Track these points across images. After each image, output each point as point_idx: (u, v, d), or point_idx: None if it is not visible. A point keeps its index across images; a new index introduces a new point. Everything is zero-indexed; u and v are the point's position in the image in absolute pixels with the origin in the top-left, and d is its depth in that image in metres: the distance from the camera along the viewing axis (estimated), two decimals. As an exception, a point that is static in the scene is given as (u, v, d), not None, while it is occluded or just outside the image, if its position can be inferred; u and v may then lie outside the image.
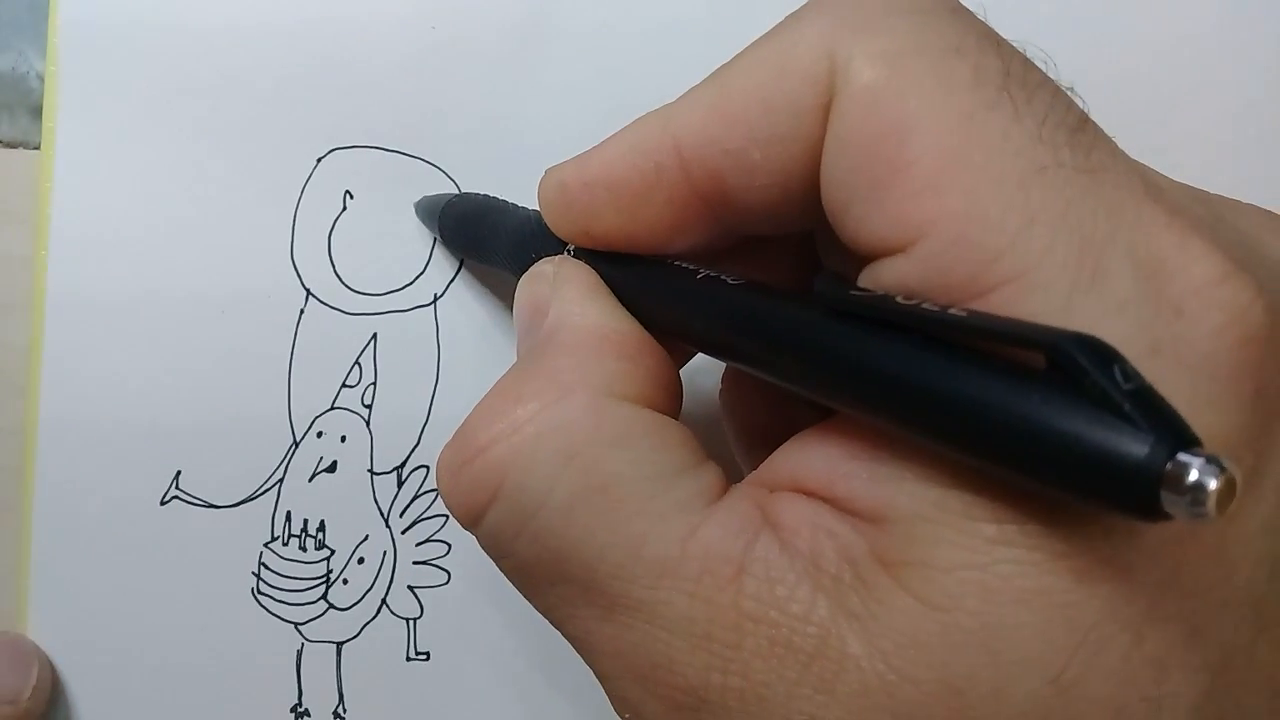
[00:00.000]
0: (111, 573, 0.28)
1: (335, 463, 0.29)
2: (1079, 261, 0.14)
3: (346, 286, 0.29)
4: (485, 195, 0.27)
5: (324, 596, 0.29)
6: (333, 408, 0.29)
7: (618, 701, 0.18)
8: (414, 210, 0.29)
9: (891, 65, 0.16)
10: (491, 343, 0.29)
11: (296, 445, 0.29)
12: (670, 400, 0.19)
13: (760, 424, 0.23)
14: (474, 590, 0.29)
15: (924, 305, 0.15)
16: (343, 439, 0.29)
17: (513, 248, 0.24)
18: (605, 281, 0.20)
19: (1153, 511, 0.12)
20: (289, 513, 0.29)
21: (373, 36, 0.28)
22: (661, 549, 0.17)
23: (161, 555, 0.28)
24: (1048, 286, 0.14)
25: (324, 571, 0.29)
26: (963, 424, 0.14)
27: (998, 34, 0.16)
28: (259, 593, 0.29)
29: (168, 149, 0.28)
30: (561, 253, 0.22)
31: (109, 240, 0.28)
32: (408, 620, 0.29)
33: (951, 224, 0.15)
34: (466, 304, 0.29)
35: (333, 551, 0.29)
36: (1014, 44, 0.16)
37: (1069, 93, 0.16)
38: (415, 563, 0.29)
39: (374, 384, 0.29)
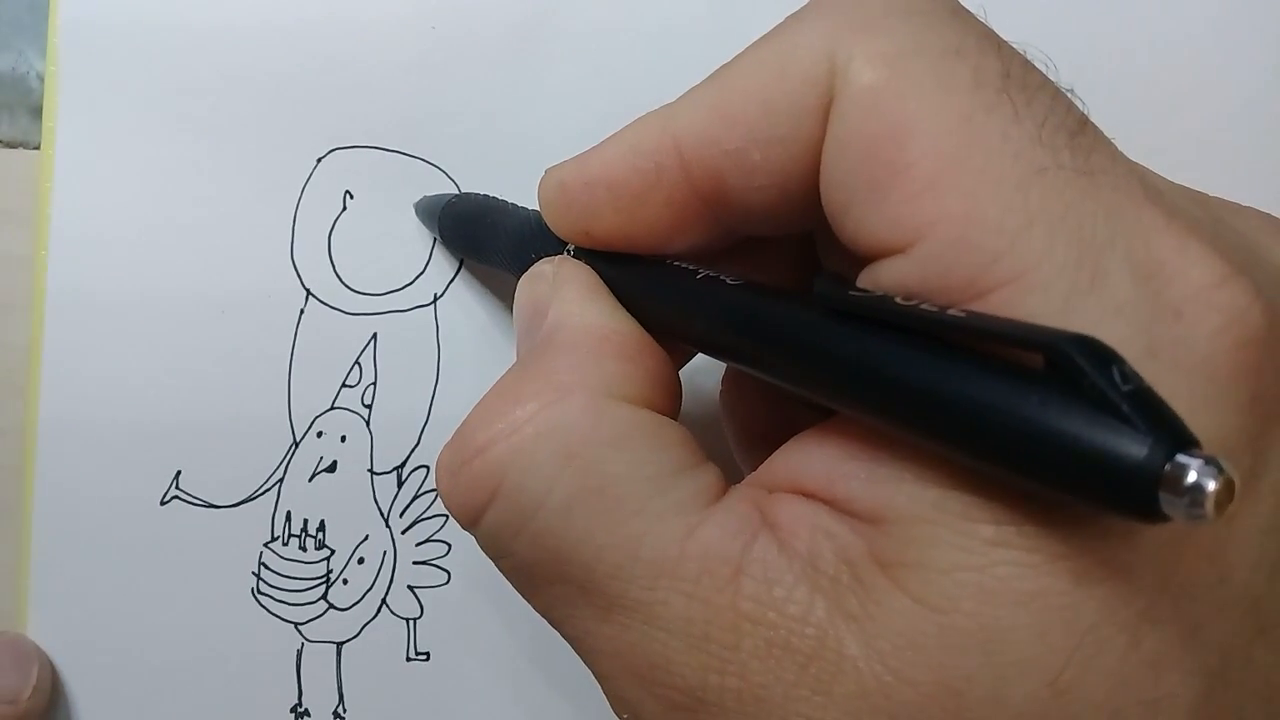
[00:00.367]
0: (111, 573, 0.28)
1: (335, 463, 0.29)
2: (1078, 263, 0.14)
3: (346, 286, 0.29)
4: (485, 195, 0.27)
5: (324, 596, 0.29)
6: (333, 408, 0.29)
7: (616, 702, 0.18)
8: (414, 210, 0.29)
9: (891, 67, 0.16)
10: (491, 343, 0.29)
11: (296, 445, 0.29)
12: (670, 400, 0.19)
13: (760, 425, 0.23)
14: (474, 590, 0.29)
15: (923, 306, 0.15)
16: (343, 439, 0.29)
17: (512, 248, 0.24)
18: (605, 282, 0.20)
19: (1151, 513, 0.12)
20: (289, 513, 0.29)
21: (373, 36, 0.28)
22: (660, 549, 0.17)
23: (161, 555, 0.28)
24: (1046, 288, 0.14)
25: (324, 571, 0.29)
26: (961, 425, 0.14)
27: (998, 35, 0.16)
28: (259, 593, 0.29)
29: (168, 149, 0.28)
30: (561, 253, 0.22)
31: (109, 240, 0.28)
32: (408, 620, 0.29)
33: (951, 225, 0.15)
34: (466, 304, 0.29)
35: (333, 551, 0.29)
36: (1014, 45, 0.16)
37: (1069, 94, 0.16)
38: (415, 563, 0.29)
39: (374, 384, 0.29)
